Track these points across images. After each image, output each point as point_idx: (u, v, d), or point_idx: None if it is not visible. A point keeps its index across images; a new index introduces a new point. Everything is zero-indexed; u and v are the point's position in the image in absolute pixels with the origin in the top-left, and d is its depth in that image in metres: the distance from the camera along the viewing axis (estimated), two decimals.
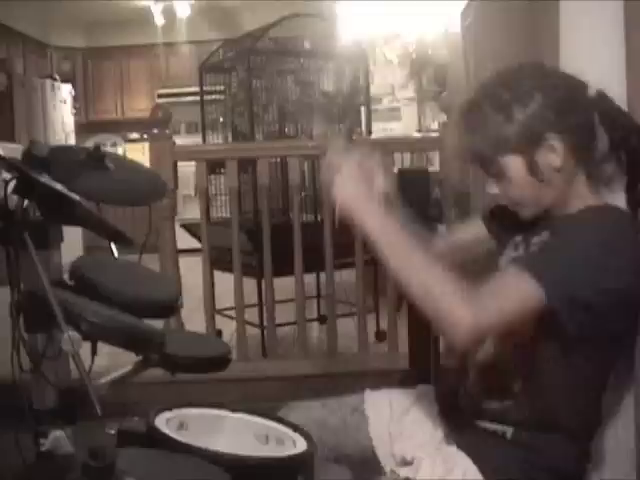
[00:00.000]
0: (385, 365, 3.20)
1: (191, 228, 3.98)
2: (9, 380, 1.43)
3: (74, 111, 8.31)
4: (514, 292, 1.21)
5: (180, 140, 5.27)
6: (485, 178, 1.41)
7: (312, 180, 4.22)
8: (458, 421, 1.46)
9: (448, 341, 1.20)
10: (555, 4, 1.71)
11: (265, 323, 3.53)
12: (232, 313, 3.55)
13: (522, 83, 1.33)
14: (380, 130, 5.58)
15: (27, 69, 7.75)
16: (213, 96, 4.47)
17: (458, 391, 1.48)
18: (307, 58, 4.32)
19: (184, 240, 3.74)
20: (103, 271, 1.83)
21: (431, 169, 3.38)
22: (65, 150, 1.74)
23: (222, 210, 4.24)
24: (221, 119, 4.41)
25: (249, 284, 3.58)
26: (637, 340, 1.35)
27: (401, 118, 6.65)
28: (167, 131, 5.66)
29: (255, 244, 3.51)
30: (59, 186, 1.41)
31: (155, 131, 4.05)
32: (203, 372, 2.00)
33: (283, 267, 3.39)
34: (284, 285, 3.59)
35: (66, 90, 8.09)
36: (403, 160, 4.22)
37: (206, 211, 3.58)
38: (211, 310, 3.44)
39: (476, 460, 1.35)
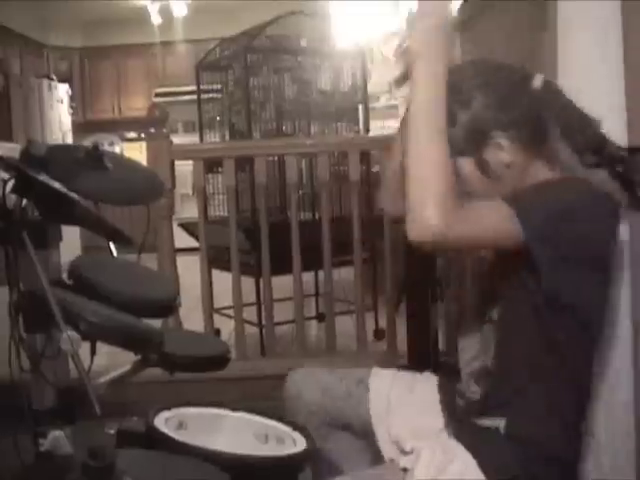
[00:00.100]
0: (384, 363, 3.19)
1: (189, 227, 3.97)
2: (8, 380, 1.43)
3: (71, 111, 8.30)
4: (494, 217, 1.23)
5: (177, 139, 5.27)
6: None
7: (310, 178, 4.22)
8: (456, 416, 1.47)
9: (410, 229, 1.19)
10: (553, 4, 1.71)
11: (263, 322, 3.53)
12: (230, 312, 3.55)
13: (463, 85, 1.33)
14: (378, 128, 5.57)
15: (24, 69, 7.73)
16: (210, 95, 4.46)
17: (455, 389, 1.49)
18: (304, 56, 4.31)
19: (182, 239, 3.74)
20: (102, 271, 1.83)
21: None
22: (63, 149, 1.74)
23: (220, 209, 4.23)
24: (218, 118, 4.40)
25: (247, 283, 3.58)
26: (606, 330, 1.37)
27: (399, 116, 6.64)
28: (164, 130, 5.66)
29: (253, 243, 3.51)
30: (57, 185, 1.41)
31: (152, 130, 4.04)
32: (202, 371, 2.00)
33: (281, 265, 3.39)
34: (282, 284, 3.59)
35: (63, 90, 8.08)
36: None
37: (204, 210, 3.58)
38: (209, 309, 3.44)
39: (476, 457, 1.35)
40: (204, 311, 3.40)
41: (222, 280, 3.69)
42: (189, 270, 3.64)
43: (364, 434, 1.62)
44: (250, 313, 3.70)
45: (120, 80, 9.10)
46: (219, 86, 4.40)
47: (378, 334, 3.81)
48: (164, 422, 1.63)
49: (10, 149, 4.27)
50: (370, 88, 4.83)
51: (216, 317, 3.57)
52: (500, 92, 1.33)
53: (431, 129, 1.22)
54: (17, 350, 1.45)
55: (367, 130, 4.56)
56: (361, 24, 5.38)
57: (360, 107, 4.55)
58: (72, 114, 8.33)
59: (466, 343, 1.48)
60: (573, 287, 1.27)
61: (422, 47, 1.25)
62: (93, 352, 1.52)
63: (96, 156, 1.58)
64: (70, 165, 1.54)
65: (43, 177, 1.40)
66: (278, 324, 3.54)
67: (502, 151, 1.33)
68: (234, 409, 1.79)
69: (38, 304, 1.35)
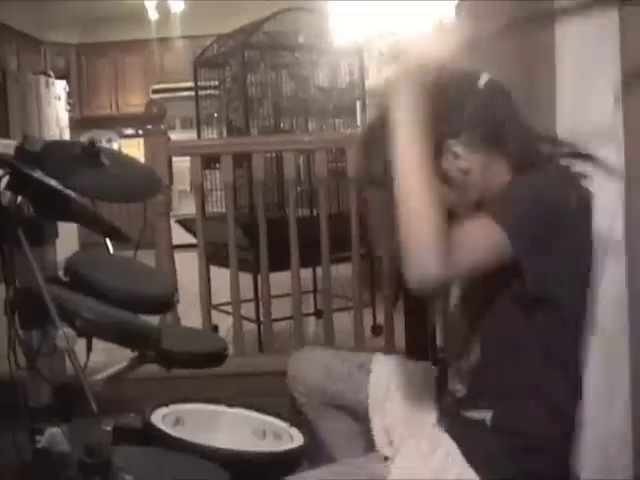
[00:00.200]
0: None
1: (186, 223, 3.97)
2: (5, 377, 1.43)
3: (68, 107, 8.28)
4: (482, 241, 1.24)
5: (175, 135, 5.26)
6: None
7: (307, 174, 4.22)
8: (449, 411, 1.47)
9: (410, 278, 1.18)
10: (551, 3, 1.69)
11: (261, 318, 3.52)
12: (228, 308, 3.54)
13: None
14: None
15: (21, 65, 7.72)
16: (208, 91, 4.45)
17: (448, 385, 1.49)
18: (302, 52, 4.30)
19: (179, 236, 3.73)
20: (98, 267, 1.83)
21: None
22: (59, 145, 1.74)
23: (217, 205, 4.22)
24: (216, 114, 4.40)
25: (245, 279, 3.58)
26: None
27: None
28: (162, 126, 5.66)
29: (251, 239, 3.50)
30: (53, 182, 1.41)
31: (150, 127, 4.04)
32: (199, 367, 2.00)
33: (279, 262, 3.38)
34: (280, 280, 3.59)
35: (60, 86, 8.06)
36: None
37: (201, 206, 3.57)
38: (207, 305, 3.44)
39: (460, 446, 1.35)
40: (202, 307, 3.40)
41: (220, 276, 3.68)
42: (187, 266, 3.63)
43: (362, 418, 1.63)
44: (248, 309, 3.70)
45: (117, 76, 9.08)
46: (217, 82, 4.39)
47: (376, 330, 3.81)
48: (161, 419, 1.63)
49: (6, 146, 4.26)
50: (368, 84, 4.82)
51: (214, 313, 3.57)
52: (446, 100, 1.32)
53: (420, 185, 1.21)
54: (13, 347, 1.45)
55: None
56: (359, 22, 5.37)
57: (358, 104, 4.54)
58: (69, 110, 8.31)
59: (450, 342, 1.49)
60: (557, 284, 1.29)
61: (400, 112, 1.23)
62: (89, 349, 1.52)
63: (92, 152, 1.57)
64: (66, 161, 1.53)
65: (38, 174, 1.39)
66: (276, 320, 3.53)
67: (458, 159, 1.32)
68: (231, 405, 1.79)
69: (34, 301, 1.35)
